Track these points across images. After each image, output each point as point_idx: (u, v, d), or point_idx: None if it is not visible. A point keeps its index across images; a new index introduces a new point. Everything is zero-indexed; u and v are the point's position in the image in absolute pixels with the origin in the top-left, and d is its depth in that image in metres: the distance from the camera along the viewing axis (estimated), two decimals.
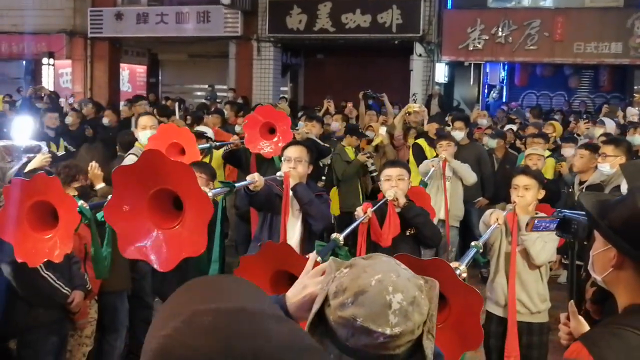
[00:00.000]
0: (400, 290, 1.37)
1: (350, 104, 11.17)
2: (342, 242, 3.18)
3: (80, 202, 3.03)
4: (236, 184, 3.46)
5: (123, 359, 4.80)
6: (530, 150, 6.76)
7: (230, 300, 0.85)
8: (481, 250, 3.33)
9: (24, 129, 5.02)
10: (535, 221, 3.60)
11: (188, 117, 10.09)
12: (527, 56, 13.95)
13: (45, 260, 3.15)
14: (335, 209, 7.57)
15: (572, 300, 2.04)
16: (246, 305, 0.82)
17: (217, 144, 6.27)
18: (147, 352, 0.79)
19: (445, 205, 5.98)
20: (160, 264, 2.52)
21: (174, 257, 2.47)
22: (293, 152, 4.25)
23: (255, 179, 3.77)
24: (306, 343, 0.81)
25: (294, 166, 4.16)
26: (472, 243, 3.31)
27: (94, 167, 4.56)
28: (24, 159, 3.26)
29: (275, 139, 5.31)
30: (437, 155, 6.43)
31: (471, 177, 6.42)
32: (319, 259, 2.21)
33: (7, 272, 3.58)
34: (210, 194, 2.71)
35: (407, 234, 4.16)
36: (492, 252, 4.13)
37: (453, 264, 2.42)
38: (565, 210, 3.18)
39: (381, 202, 4.04)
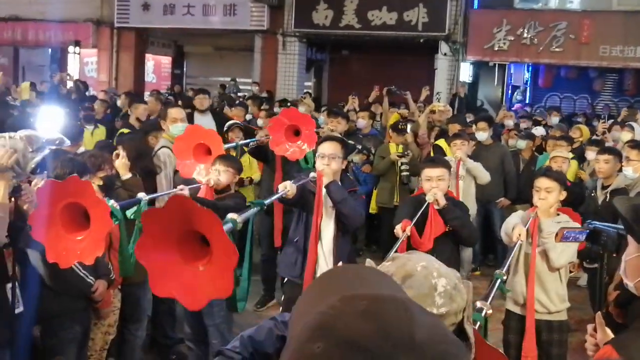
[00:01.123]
0: (444, 275, 1.49)
1: (377, 88, 11.14)
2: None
3: (111, 203, 3.09)
4: (266, 201, 3.44)
5: (145, 348, 4.86)
6: (555, 152, 6.74)
7: (378, 288, 0.90)
8: (505, 278, 3.33)
9: (49, 119, 4.94)
10: (565, 232, 3.66)
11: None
12: (552, 58, 13.89)
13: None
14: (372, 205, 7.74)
15: (599, 312, 2.08)
16: (396, 294, 0.87)
17: (243, 142, 6.29)
18: (303, 327, 0.83)
19: None
20: (189, 304, 2.64)
21: (201, 299, 2.56)
22: (327, 148, 4.17)
23: (287, 189, 3.75)
24: (448, 334, 0.86)
25: (327, 163, 4.10)
26: (496, 272, 3.31)
27: (121, 157, 4.56)
28: (47, 151, 3.24)
29: (300, 142, 5.27)
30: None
31: (485, 177, 6.43)
32: None
33: (34, 261, 3.61)
34: (239, 220, 2.77)
35: (447, 230, 4.17)
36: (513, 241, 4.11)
37: (479, 303, 2.41)
38: (596, 222, 3.20)
39: (421, 210, 4.02)
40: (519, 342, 4.04)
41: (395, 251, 3.63)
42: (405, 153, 7.31)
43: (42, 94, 12.45)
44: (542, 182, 4.13)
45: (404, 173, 7.20)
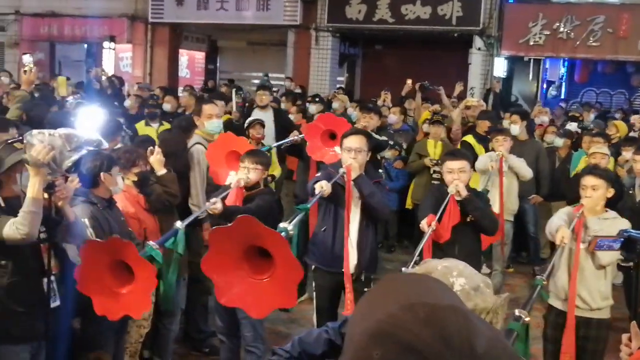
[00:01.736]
0: (465, 276, 1.51)
1: (410, 82, 11.08)
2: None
3: (150, 245, 3.22)
4: (309, 205, 3.60)
5: (178, 340, 4.94)
6: (594, 148, 6.66)
7: (438, 298, 0.90)
8: (545, 283, 3.41)
9: (90, 119, 4.96)
10: (598, 240, 3.82)
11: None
12: (589, 52, 13.61)
13: None
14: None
15: (634, 322, 2.07)
16: (455, 304, 0.87)
17: (275, 145, 6.35)
18: (362, 334, 0.83)
19: (500, 200, 5.95)
20: (255, 313, 2.89)
21: (265, 309, 2.83)
22: (353, 142, 4.27)
23: (324, 189, 3.88)
24: (508, 348, 0.86)
25: (354, 156, 4.20)
26: (537, 277, 3.40)
27: (156, 153, 4.61)
28: (84, 151, 3.29)
29: (337, 147, 5.21)
30: (491, 150, 6.41)
31: (528, 173, 6.45)
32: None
33: (72, 255, 3.66)
34: (290, 227, 2.89)
35: (468, 220, 4.28)
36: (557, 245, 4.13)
37: (517, 311, 2.45)
38: (631, 231, 3.19)
39: (445, 203, 4.12)
40: (556, 336, 4.09)
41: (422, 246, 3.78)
42: (439, 161, 7.23)
43: (78, 88, 12.64)
44: (589, 180, 4.12)
45: (435, 182, 7.08)
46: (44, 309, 3.29)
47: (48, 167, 3.06)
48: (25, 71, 5.85)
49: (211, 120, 5.40)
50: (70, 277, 3.64)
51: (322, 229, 4.39)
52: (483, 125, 7.69)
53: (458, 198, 4.17)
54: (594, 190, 4.08)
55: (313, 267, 4.55)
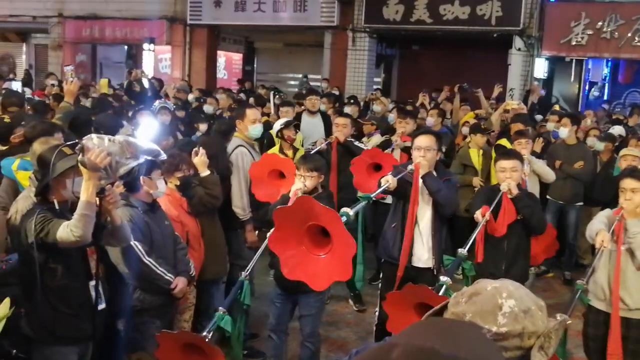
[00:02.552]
0: (515, 297, 1.48)
1: (447, 89, 10.98)
2: (467, 255, 3.55)
3: (218, 314, 3.37)
4: (372, 195, 3.75)
5: (217, 342, 4.94)
6: (625, 150, 6.62)
7: (466, 349, 0.91)
8: (585, 287, 3.76)
9: (150, 128, 5.20)
10: None
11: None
12: (634, 52, 13.23)
13: (142, 250, 3.56)
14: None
15: None
16: (459, 354, 0.89)
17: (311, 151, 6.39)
18: None
19: None
20: (316, 285, 3.15)
21: (326, 281, 3.10)
22: (423, 141, 4.47)
23: (389, 182, 4.03)
24: None
25: (423, 155, 4.40)
26: (578, 282, 3.78)
27: (200, 154, 4.64)
28: (141, 160, 3.32)
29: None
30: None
31: (550, 175, 6.54)
32: None
33: (113, 259, 3.71)
34: (352, 213, 3.10)
35: (518, 218, 4.47)
36: (596, 249, 4.16)
37: (559, 316, 2.46)
38: None
39: (497, 199, 4.31)
40: (596, 334, 4.24)
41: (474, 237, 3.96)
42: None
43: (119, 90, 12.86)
44: (628, 183, 4.14)
45: None
46: (91, 311, 3.34)
47: (103, 172, 3.10)
48: (67, 82, 5.93)
49: (255, 125, 5.42)
50: (115, 280, 3.73)
51: (392, 225, 4.63)
52: (515, 128, 7.56)
53: (510, 196, 4.34)
54: (634, 193, 4.09)
55: (382, 260, 4.84)
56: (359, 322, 6.02)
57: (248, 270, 3.63)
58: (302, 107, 8.91)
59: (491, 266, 4.42)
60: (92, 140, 3.11)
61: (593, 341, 4.30)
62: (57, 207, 3.20)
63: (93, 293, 3.34)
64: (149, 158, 3.41)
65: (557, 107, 11.95)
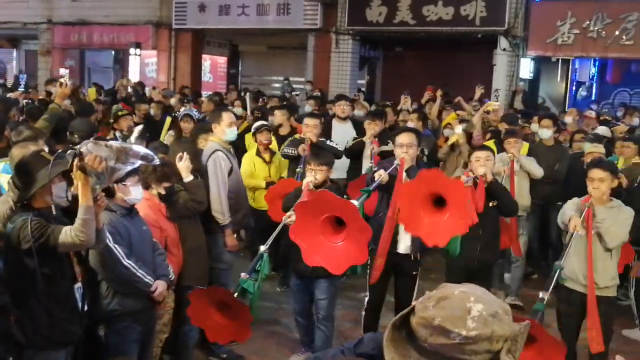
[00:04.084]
0: (483, 302, 1.50)
1: (429, 89, 10.85)
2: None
3: (241, 278, 3.79)
4: (371, 188, 4.29)
5: (197, 344, 5.03)
6: (591, 148, 6.69)
7: None
8: (562, 268, 4.27)
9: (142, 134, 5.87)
10: None
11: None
12: (621, 52, 13.06)
13: (122, 253, 3.68)
14: None
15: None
16: None
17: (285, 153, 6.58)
18: None
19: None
20: (334, 269, 3.63)
21: (343, 264, 3.58)
22: (405, 138, 4.90)
23: (382, 176, 4.42)
24: None
25: (406, 151, 4.81)
26: (556, 263, 4.29)
27: (184, 159, 4.68)
28: (137, 164, 3.45)
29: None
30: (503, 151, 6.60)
31: (538, 171, 6.71)
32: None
33: (93, 262, 3.71)
34: (357, 204, 3.61)
35: (490, 205, 5.01)
36: (568, 234, 4.56)
37: (541, 293, 2.92)
38: None
39: (473, 178, 4.91)
40: (569, 312, 4.67)
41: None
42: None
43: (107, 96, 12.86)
44: (595, 173, 4.52)
45: None
46: (78, 314, 3.44)
47: (101, 177, 3.22)
48: (60, 84, 5.90)
49: (231, 128, 5.31)
50: (93, 284, 3.76)
51: (378, 215, 4.95)
52: (502, 128, 7.76)
53: (485, 180, 4.86)
54: (601, 182, 4.48)
55: (370, 248, 5.01)
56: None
57: (268, 244, 4.00)
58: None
59: (468, 249, 4.85)
60: (87, 146, 3.22)
61: (566, 318, 4.71)
62: (53, 212, 3.32)
63: (78, 295, 3.44)
64: (143, 163, 3.56)
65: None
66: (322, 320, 4.92)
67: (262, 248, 3.94)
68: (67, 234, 3.10)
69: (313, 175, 4.68)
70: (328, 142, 6.59)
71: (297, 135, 6.85)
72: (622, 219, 4.49)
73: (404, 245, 4.90)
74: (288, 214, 4.25)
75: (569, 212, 4.51)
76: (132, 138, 6.61)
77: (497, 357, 1.48)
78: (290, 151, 6.42)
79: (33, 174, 3.16)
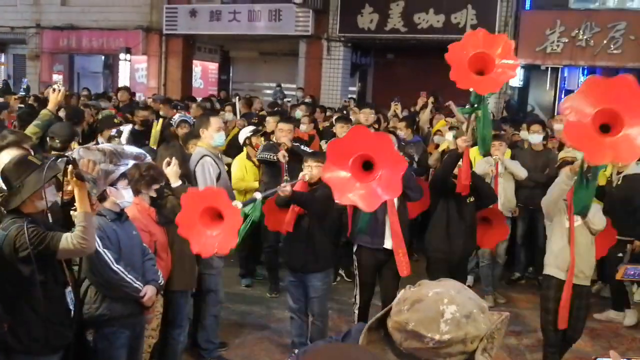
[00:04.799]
0: (456, 303, 1.49)
1: (423, 94, 10.90)
2: None
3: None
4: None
5: (186, 349, 5.05)
6: (562, 153, 6.59)
7: None
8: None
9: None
10: (627, 268, 5.16)
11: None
12: (610, 60, 13.20)
13: (111, 258, 3.67)
14: None
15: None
16: None
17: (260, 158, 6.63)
18: None
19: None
20: (366, 207, 3.74)
21: (375, 202, 3.65)
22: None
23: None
24: None
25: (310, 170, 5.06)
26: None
27: (172, 164, 4.63)
28: (129, 164, 3.46)
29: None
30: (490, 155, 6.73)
31: (522, 172, 6.88)
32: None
33: (81, 268, 3.67)
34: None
35: (468, 202, 5.27)
36: (552, 225, 4.86)
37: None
38: None
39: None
40: (556, 297, 4.80)
41: None
42: None
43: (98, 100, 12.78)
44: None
45: None
46: (70, 318, 3.44)
47: (93, 183, 3.21)
48: (53, 90, 5.82)
49: (219, 133, 5.29)
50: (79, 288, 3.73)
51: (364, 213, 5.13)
52: None
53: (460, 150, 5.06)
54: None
55: (356, 246, 5.28)
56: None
57: (265, 194, 4.42)
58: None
59: (451, 244, 5.23)
60: (79, 152, 3.24)
61: (554, 302, 4.84)
62: (49, 219, 3.30)
63: (68, 299, 3.42)
64: (136, 162, 3.59)
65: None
66: (318, 317, 5.12)
67: (258, 195, 4.22)
68: (68, 241, 3.08)
69: (309, 170, 4.91)
70: (302, 147, 6.63)
71: (272, 139, 6.88)
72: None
73: (390, 240, 5.10)
74: (283, 184, 4.72)
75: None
76: (123, 139, 6.60)
77: (472, 357, 1.49)
78: (268, 156, 6.40)
79: (22, 178, 3.11)
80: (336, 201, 3.77)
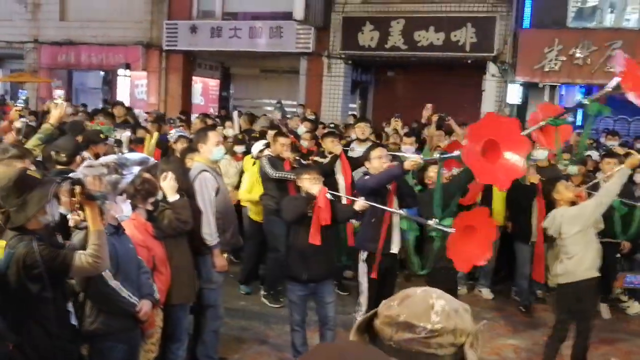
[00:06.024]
0: (445, 299, 1.55)
1: (431, 106, 10.96)
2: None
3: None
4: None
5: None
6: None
7: None
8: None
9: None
10: (626, 276, 6.28)
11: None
12: (606, 78, 13.17)
13: (108, 273, 3.61)
14: None
15: None
16: None
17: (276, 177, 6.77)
18: None
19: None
20: (500, 185, 4.85)
21: (507, 181, 4.32)
22: (382, 151, 5.56)
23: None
24: None
25: (385, 161, 5.45)
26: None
27: (169, 179, 4.62)
28: (135, 170, 3.50)
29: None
30: None
31: None
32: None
33: (76, 282, 3.66)
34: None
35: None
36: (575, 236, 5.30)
37: None
38: None
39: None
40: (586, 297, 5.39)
41: None
42: None
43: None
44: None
45: None
46: (75, 333, 3.50)
47: (103, 198, 3.26)
48: (55, 105, 5.81)
49: (218, 147, 5.29)
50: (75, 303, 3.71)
51: (372, 220, 5.38)
52: None
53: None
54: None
55: (366, 254, 5.48)
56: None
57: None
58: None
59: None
60: (83, 171, 3.27)
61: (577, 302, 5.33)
62: (55, 232, 3.34)
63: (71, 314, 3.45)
64: (141, 167, 3.64)
65: None
66: (331, 322, 5.27)
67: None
68: (82, 260, 3.09)
69: (318, 183, 5.13)
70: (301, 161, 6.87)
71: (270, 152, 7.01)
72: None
73: (396, 245, 5.50)
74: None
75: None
76: (124, 148, 6.63)
77: (461, 350, 1.52)
78: (288, 176, 6.53)
79: (25, 195, 3.06)
80: (479, 181, 4.64)
